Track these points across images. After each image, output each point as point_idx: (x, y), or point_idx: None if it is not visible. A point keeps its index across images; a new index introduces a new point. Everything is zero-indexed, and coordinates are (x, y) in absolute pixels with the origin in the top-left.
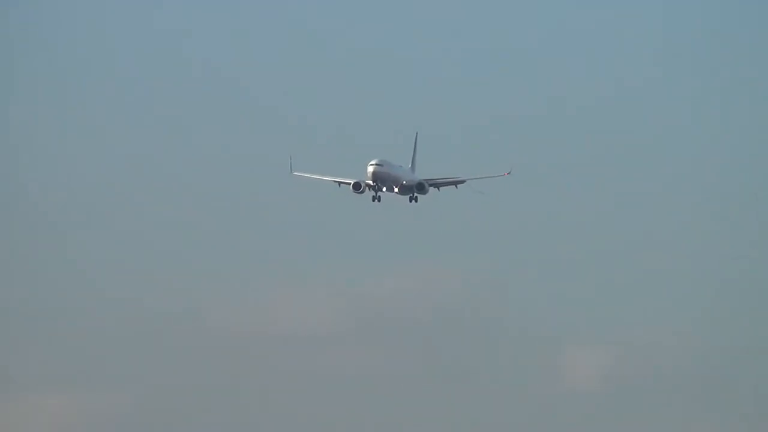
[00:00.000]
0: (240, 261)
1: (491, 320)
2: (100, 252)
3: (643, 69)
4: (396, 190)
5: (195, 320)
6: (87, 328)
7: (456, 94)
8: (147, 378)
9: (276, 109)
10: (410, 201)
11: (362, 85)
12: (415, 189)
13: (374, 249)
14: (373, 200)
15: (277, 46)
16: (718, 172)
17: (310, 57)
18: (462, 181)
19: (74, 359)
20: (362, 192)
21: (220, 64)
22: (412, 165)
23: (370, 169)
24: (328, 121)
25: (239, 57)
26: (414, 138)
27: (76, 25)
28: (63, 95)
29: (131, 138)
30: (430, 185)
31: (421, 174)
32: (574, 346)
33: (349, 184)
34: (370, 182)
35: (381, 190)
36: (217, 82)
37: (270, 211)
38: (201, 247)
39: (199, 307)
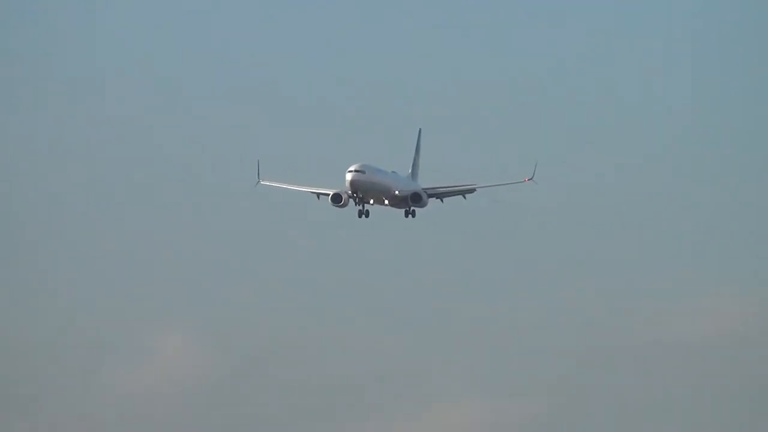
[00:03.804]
0: None
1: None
2: None
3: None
4: (387, 202)
5: None
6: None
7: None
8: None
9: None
10: (406, 216)
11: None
12: (410, 200)
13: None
14: (360, 215)
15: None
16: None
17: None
18: (472, 190)
19: (496, 366)
20: (343, 205)
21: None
22: (413, 170)
23: (349, 176)
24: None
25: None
26: (416, 137)
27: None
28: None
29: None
30: (431, 195)
31: (425, 182)
32: None
33: (328, 195)
34: (351, 193)
35: (367, 203)
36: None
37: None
38: None
39: None
